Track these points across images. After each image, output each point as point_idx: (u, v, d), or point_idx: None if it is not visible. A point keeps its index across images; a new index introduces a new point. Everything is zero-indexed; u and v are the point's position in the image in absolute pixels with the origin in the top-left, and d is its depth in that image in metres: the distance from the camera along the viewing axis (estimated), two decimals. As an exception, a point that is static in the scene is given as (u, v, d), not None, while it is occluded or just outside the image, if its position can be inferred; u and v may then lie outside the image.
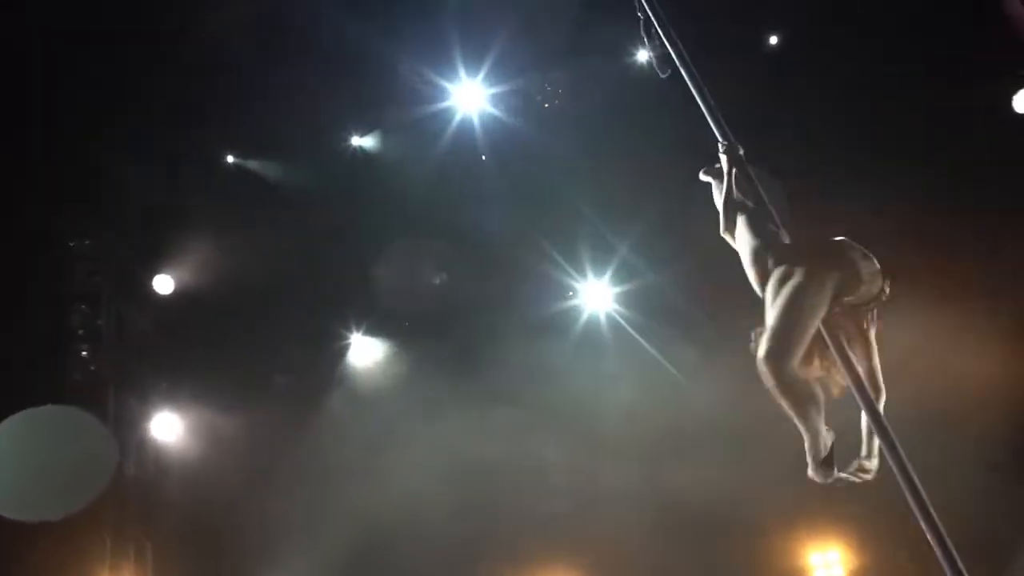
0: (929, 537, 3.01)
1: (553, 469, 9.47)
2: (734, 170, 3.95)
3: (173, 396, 9.54)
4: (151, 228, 9.48)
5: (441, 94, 9.75)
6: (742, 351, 3.66)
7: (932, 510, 3.02)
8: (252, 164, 10.01)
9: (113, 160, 8.66)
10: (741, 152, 3.95)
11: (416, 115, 9.93)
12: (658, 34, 4.24)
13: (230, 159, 10.02)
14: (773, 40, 9.77)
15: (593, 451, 9.36)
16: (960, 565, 2.87)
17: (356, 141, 10.28)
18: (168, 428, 9.47)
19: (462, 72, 9.51)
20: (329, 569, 9.11)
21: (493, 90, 9.72)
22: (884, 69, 8.88)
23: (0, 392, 8.32)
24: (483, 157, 10.00)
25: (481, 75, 9.54)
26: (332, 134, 10.09)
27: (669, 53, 4.20)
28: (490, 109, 9.91)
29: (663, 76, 4.33)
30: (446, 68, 9.46)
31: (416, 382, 10.03)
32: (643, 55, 9.58)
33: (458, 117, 9.90)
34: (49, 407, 8.49)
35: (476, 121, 9.96)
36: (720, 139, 4.01)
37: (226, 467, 9.30)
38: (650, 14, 4.26)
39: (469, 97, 9.80)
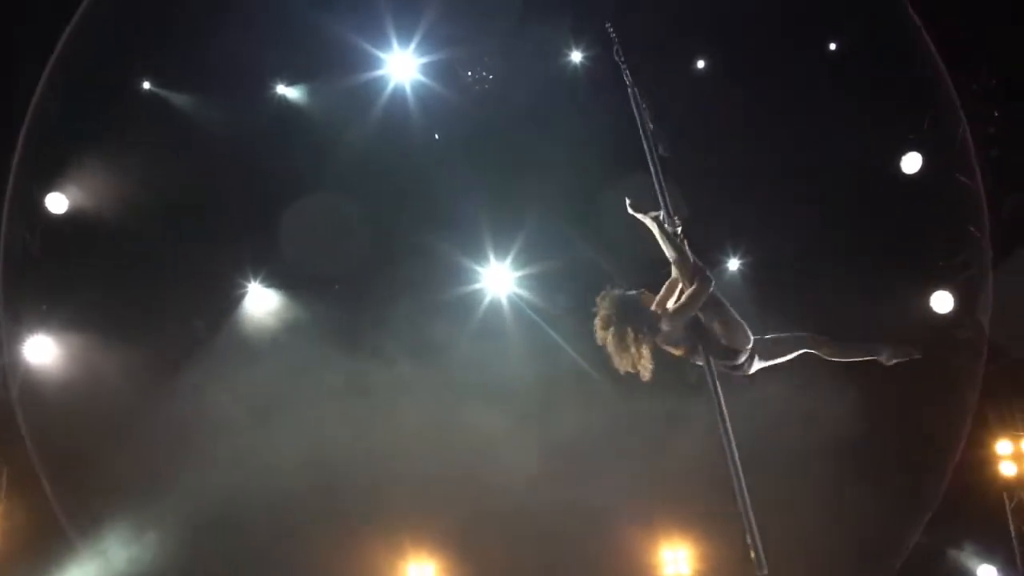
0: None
1: (423, 450, 9.54)
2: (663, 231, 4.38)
3: (52, 320, 9.18)
4: (51, 144, 9.04)
5: (374, 62, 9.76)
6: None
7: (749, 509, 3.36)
8: (169, 95, 9.71)
9: (24, 71, 8.26)
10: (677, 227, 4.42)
11: (344, 78, 9.87)
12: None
13: (146, 85, 9.71)
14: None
15: (467, 436, 9.50)
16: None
17: (281, 89, 10.14)
18: (42, 353, 9.11)
19: (395, 42, 9.54)
20: (178, 523, 8.97)
21: (423, 60, 9.79)
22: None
23: None
24: (436, 136, 10.06)
25: (413, 45, 9.61)
26: (257, 78, 9.90)
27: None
28: (421, 79, 9.98)
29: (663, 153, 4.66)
30: (379, 37, 9.45)
31: (303, 341, 10.01)
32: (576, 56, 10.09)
33: (390, 87, 9.94)
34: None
35: (408, 90, 10.02)
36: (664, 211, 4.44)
37: (96, 401, 9.00)
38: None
39: (400, 67, 9.85)
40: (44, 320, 9.18)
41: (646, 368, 4.20)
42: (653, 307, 4.39)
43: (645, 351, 4.19)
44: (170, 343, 9.81)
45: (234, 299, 10.34)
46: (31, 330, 9.10)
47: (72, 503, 8.91)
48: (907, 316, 9.58)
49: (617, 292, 4.33)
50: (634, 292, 4.39)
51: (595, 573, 9.60)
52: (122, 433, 9.01)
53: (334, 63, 9.77)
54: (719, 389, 4.16)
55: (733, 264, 10.46)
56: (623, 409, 9.16)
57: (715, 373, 4.24)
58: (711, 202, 9.03)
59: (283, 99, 10.10)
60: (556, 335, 10.22)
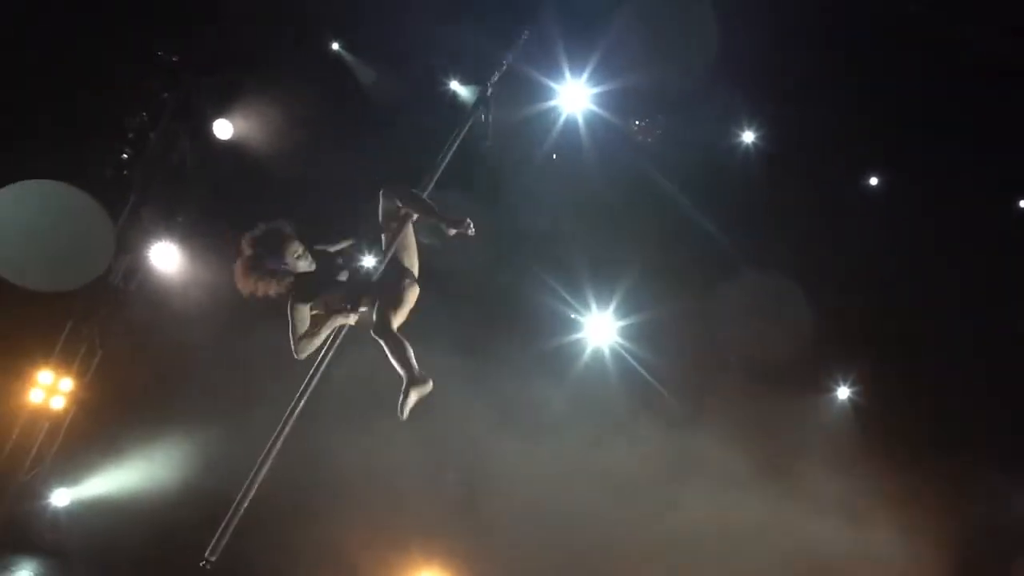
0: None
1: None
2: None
3: (184, 232, 9.67)
4: (234, 75, 9.58)
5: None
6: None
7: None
8: (353, 60, 10.14)
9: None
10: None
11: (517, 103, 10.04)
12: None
13: (335, 46, 10.18)
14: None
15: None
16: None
17: (455, 86, 10.44)
18: (167, 259, 9.60)
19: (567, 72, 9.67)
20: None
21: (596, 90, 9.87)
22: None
23: (38, 149, 8.56)
24: (554, 156, 10.14)
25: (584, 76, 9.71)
26: (435, 73, 10.24)
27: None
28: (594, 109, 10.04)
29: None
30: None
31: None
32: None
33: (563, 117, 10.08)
34: (70, 186, 8.66)
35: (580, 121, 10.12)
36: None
37: (206, 319, 9.34)
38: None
39: (573, 97, 9.97)
40: (178, 230, 9.68)
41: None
42: None
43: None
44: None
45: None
46: (163, 236, 9.61)
47: (157, 404, 9.23)
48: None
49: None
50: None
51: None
52: (219, 357, 9.33)
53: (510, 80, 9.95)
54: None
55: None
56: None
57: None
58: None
59: (454, 96, 10.41)
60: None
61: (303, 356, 4.60)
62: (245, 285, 4.50)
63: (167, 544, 7.94)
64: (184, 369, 9.13)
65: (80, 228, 8.42)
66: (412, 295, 4.66)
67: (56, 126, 8.68)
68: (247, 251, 4.53)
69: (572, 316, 10.44)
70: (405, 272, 4.68)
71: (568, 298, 10.30)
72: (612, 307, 10.32)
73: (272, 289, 4.48)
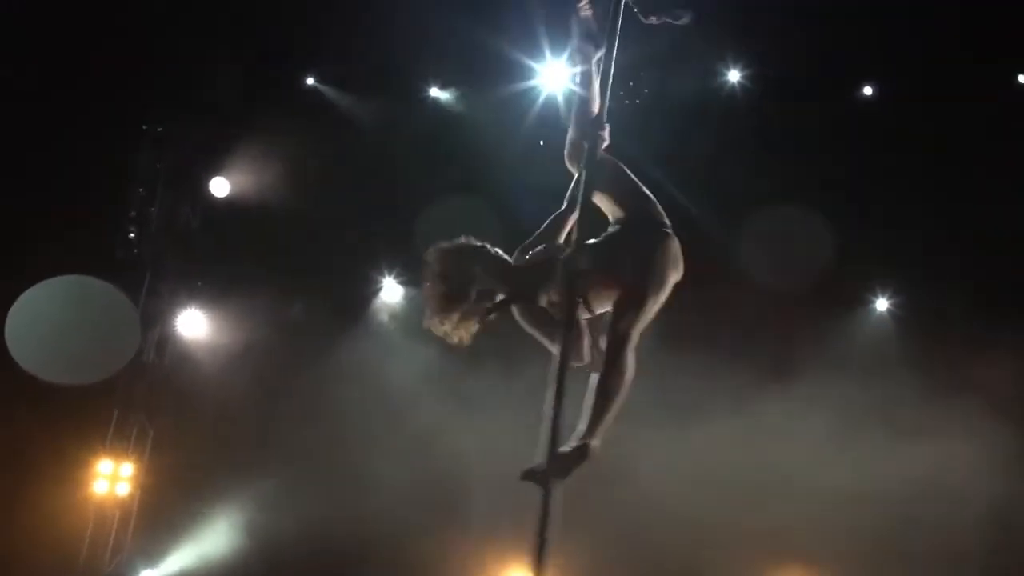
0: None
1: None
2: None
3: (205, 296, 9.74)
4: (220, 130, 9.61)
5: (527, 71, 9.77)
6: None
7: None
8: (329, 91, 10.11)
9: (200, 59, 8.81)
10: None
11: (497, 86, 9.95)
12: None
13: (310, 81, 10.15)
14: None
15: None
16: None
17: (435, 92, 10.37)
18: (193, 325, 9.69)
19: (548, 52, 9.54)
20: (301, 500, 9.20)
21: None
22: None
23: (46, 250, 8.64)
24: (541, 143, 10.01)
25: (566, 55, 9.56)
26: (412, 80, 10.17)
27: None
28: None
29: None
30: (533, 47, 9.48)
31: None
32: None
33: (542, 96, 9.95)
34: (87, 278, 8.76)
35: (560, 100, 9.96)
36: None
37: (240, 377, 9.48)
38: None
39: (554, 76, 9.85)
40: (198, 295, 9.74)
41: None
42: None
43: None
44: (311, 328, 10.17)
45: (369, 292, 10.67)
46: (186, 303, 9.68)
47: (214, 468, 9.32)
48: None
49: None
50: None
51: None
52: (260, 411, 9.45)
53: (487, 71, 9.88)
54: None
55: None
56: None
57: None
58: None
59: (436, 102, 10.35)
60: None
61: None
62: (443, 321, 3.19)
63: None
64: (234, 429, 9.23)
65: (104, 316, 8.49)
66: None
67: (56, 216, 8.74)
68: (440, 281, 3.19)
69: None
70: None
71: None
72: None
73: (474, 320, 3.20)
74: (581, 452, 3.02)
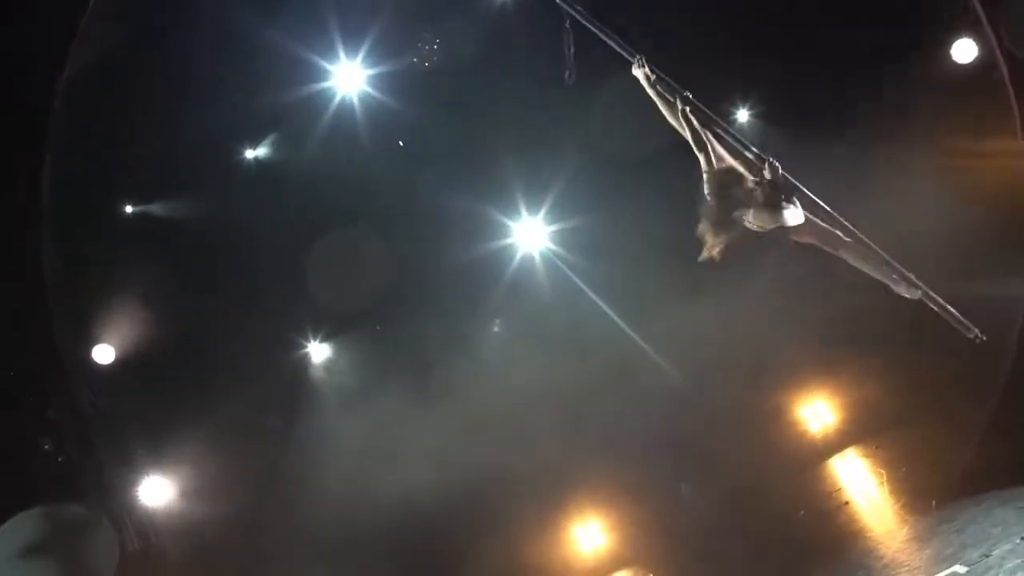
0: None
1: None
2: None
3: (151, 459, 9.32)
4: (73, 303, 9.02)
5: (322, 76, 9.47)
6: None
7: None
8: (152, 208, 9.61)
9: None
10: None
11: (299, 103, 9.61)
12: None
13: (128, 209, 9.59)
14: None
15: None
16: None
17: (251, 154, 10.00)
18: (155, 491, 9.31)
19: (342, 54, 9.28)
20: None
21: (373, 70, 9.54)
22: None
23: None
24: (400, 143, 9.86)
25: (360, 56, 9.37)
26: (227, 153, 9.77)
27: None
28: (369, 89, 9.72)
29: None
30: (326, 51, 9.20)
31: (382, 374, 10.13)
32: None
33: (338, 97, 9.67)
34: (33, 511, 8.22)
35: (356, 102, 9.77)
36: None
37: (220, 510, 9.26)
38: None
39: (350, 78, 9.62)
40: (145, 462, 9.32)
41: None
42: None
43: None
44: (259, 429, 9.96)
45: (299, 364, 10.48)
46: (138, 475, 9.26)
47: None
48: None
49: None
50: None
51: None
52: (257, 526, 9.30)
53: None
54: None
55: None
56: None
57: None
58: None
59: (255, 162, 9.99)
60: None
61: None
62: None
63: None
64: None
65: (80, 537, 8.06)
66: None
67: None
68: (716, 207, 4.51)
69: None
70: None
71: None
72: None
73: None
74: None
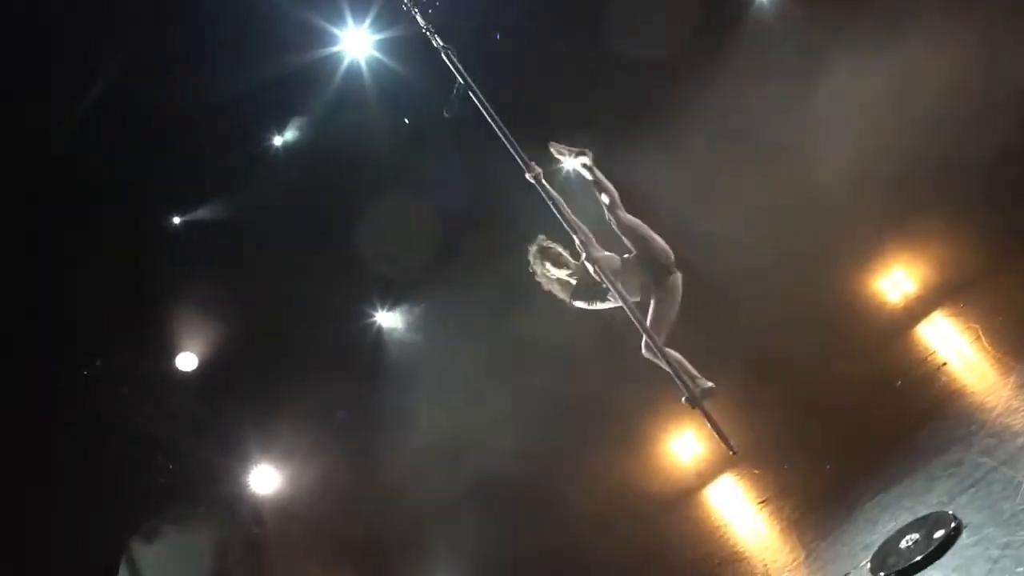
0: None
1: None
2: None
3: (255, 451, 9.69)
4: (151, 326, 9.32)
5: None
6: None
7: None
8: (200, 213, 9.77)
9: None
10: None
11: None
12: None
13: (176, 220, 9.77)
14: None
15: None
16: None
17: (278, 141, 10.02)
18: (265, 480, 9.71)
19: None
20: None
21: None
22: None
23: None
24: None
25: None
26: (259, 145, 9.81)
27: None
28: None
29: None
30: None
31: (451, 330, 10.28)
32: None
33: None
34: (159, 519, 8.67)
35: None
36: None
37: (329, 490, 9.67)
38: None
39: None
40: (250, 455, 9.69)
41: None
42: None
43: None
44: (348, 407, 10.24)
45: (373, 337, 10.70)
46: (247, 469, 9.65)
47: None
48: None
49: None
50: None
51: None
52: (369, 507, 9.65)
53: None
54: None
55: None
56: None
57: None
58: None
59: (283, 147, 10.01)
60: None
61: None
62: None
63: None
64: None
65: (205, 535, 8.50)
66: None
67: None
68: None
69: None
70: None
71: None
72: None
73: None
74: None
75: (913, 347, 8.61)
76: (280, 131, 9.99)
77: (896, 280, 10.13)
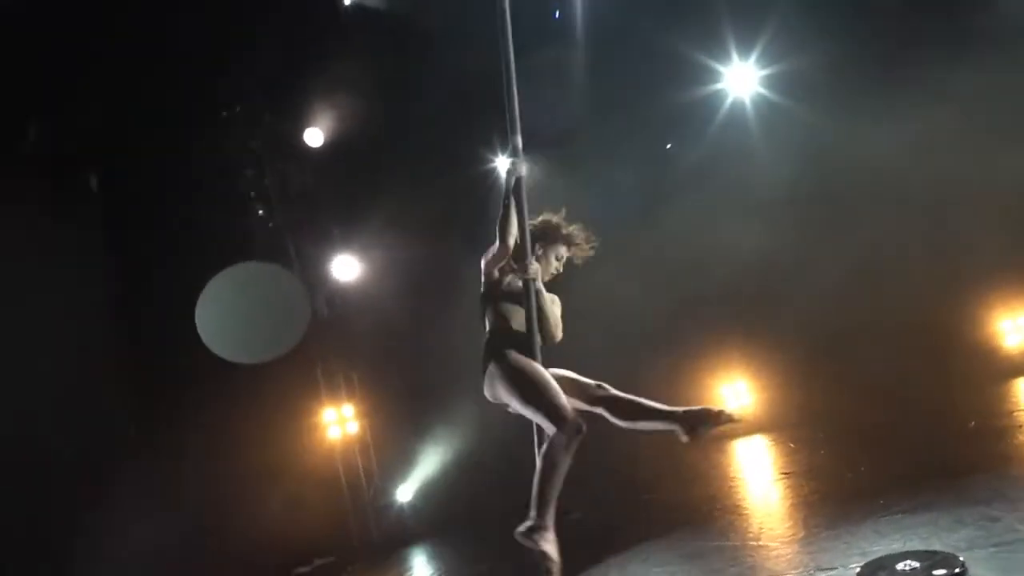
0: None
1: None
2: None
3: (345, 239, 10.17)
4: (292, 87, 9.63)
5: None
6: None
7: None
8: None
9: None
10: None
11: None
12: None
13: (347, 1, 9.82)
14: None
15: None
16: None
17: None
18: (347, 269, 10.23)
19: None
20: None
21: None
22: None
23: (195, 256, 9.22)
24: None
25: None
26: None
27: None
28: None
29: None
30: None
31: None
32: None
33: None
34: (245, 264, 9.35)
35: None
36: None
37: (405, 296, 10.00)
38: None
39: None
40: (340, 241, 10.19)
41: None
42: None
43: None
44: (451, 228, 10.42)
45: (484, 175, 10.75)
46: (332, 252, 10.17)
47: (418, 388, 9.97)
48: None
49: None
50: None
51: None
52: (436, 316, 9.70)
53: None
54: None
55: None
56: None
57: None
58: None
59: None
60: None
61: None
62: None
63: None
64: (420, 356, 9.75)
65: (276, 297, 9.11)
66: None
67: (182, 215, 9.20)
68: None
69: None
70: None
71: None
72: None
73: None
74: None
75: (1007, 397, 8.21)
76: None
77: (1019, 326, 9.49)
